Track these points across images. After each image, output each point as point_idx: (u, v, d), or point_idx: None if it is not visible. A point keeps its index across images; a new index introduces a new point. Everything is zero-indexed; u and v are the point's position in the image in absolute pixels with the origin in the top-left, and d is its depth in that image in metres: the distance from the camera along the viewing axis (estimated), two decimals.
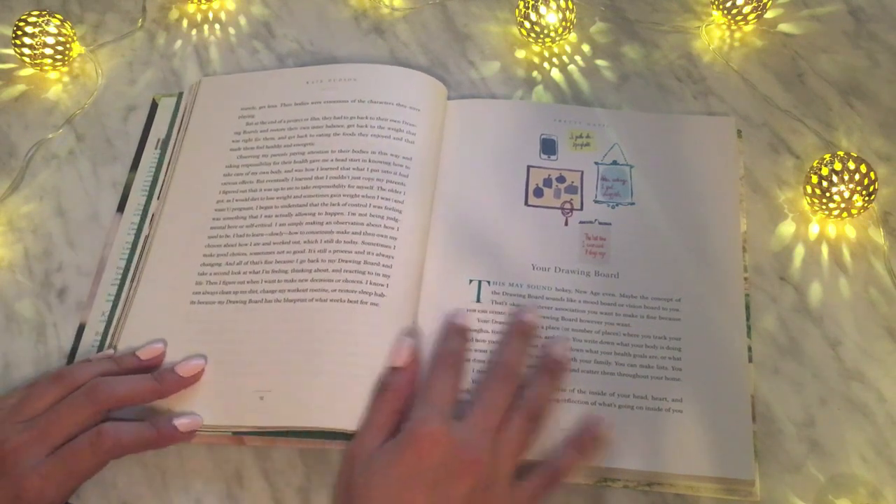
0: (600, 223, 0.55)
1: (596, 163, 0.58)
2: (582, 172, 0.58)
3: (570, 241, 0.55)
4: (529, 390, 0.48)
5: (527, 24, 0.64)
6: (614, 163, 0.57)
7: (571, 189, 0.57)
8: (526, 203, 0.57)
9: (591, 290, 0.53)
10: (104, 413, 0.48)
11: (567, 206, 0.56)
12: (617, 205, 0.56)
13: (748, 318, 0.53)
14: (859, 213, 0.55)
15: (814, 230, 0.57)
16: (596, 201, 0.56)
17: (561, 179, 0.57)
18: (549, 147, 0.59)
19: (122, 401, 0.48)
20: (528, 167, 0.58)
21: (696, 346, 0.51)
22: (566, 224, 0.56)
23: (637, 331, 0.52)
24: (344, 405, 0.48)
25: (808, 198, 0.56)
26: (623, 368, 0.50)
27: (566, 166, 0.58)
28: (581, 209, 0.56)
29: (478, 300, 0.53)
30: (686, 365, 0.51)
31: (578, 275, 0.54)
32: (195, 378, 0.50)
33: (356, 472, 0.44)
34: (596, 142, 0.59)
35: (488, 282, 0.53)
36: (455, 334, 0.51)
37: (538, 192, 0.57)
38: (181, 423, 0.48)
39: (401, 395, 0.48)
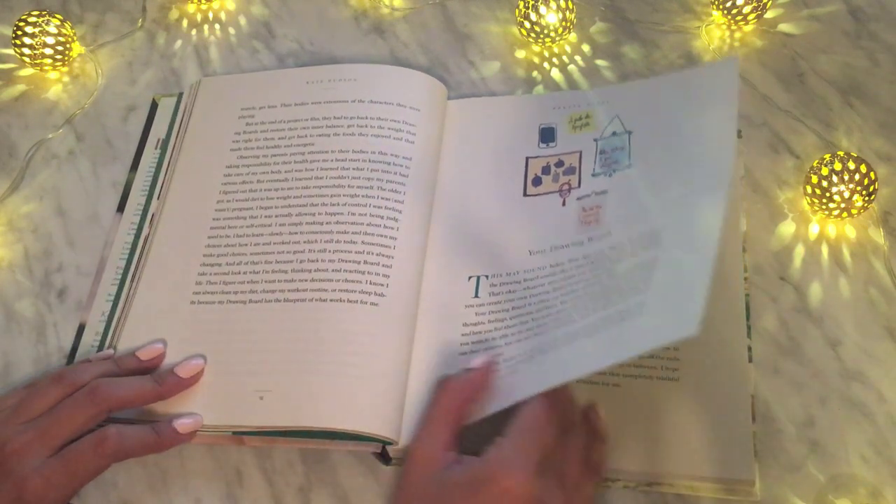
0: (597, 193, 0.54)
1: (595, 139, 0.56)
2: (580, 152, 0.56)
3: (567, 217, 0.54)
4: (594, 454, 0.47)
5: (527, 24, 0.64)
6: (614, 134, 0.55)
7: (570, 170, 0.56)
8: (525, 194, 0.56)
9: (582, 255, 0.52)
10: (105, 414, 0.48)
11: (565, 187, 0.55)
12: (614, 172, 0.54)
13: (748, 318, 0.53)
14: (859, 213, 0.55)
15: (814, 230, 0.57)
16: (594, 175, 0.55)
17: (559, 164, 0.56)
18: (547, 135, 0.58)
19: (122, 402, 0.48)
20: (527, 158, 0.57)
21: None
22: (564, 204, 0.55)
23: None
24: (344, 405, 0.48)
25: (808, 198, 0.56)
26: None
27: (565, 150, 0.57)
28: (579, 187, 0.55)
29: (476, 295, 0.53)
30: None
31: (573, 246, 0.52)
32: (195, 379, 0.50)
33: (427, 487, 0.43)
34: (596, 120, 0.57)
35: (486, 276, 0.53)
36: (567, 399, 0.46)
37: (536, 181, 0.56)
38: (181, 424, 0.49)
39: (466, 398, 0.46)
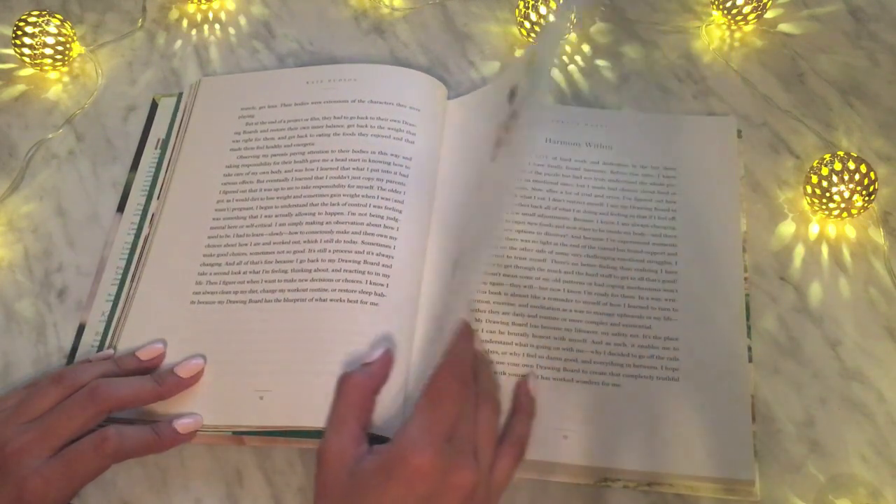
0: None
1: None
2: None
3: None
4: (515, 428, 0.47)
5: (527, 24, 0.64)
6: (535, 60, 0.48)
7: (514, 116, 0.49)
8: (492, 159, 0.50)
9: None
10: (105, 414, 0.48)
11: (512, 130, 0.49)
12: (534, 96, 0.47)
13: (748, 318, 0.53)
14: (859, 213, 0.55)
15: (814, 230, 0.57)
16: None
17: (514, 115, 0.48)
18: (511, 94, 0.50)
19: (122, 402, 0.48)
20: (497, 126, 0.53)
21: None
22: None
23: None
24: None
25: (808, 198, 0.56)
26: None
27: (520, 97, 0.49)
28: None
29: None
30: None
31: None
32: (195, 378, 0.50)
33: (342, 482, 0.43)
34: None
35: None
36: (465, 349, 0.46)
37: (498, 143, 0.52)
38: (181, 424, 0.49)
39: (369, 392, 0.47)
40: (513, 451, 0.46)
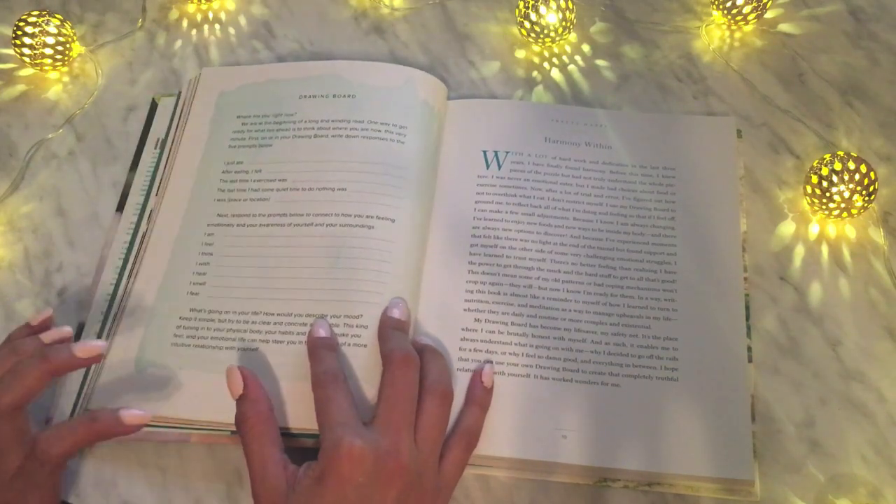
0: None
1: None
2: None
3: None
4: (464, 419, 0.48)
5: (527, 24, 0.64)
6: None
7: None
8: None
9: None
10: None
11: None
12: None
13: (748, 318, 0.53)
14: (859, 213, 0.55)
15: (814, 230, 0.57)
16: None
17: None
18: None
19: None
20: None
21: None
22: None
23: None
24: None
25: (808, 198, 0.56)
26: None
27: None
28: None
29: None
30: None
31: None
32: (92, 360, 0.47)
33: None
34: None
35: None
36: (320, 352, 0.48)
37: None
38: (126, 414, 0.46)
39: (264, 416, 0.46)
40: (461, 443, 0.47)
